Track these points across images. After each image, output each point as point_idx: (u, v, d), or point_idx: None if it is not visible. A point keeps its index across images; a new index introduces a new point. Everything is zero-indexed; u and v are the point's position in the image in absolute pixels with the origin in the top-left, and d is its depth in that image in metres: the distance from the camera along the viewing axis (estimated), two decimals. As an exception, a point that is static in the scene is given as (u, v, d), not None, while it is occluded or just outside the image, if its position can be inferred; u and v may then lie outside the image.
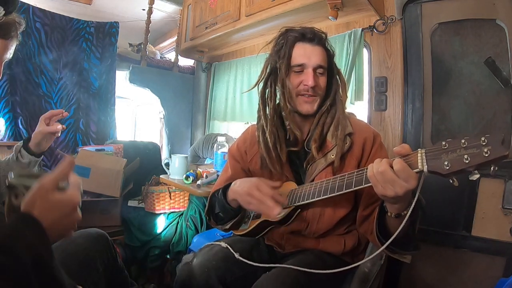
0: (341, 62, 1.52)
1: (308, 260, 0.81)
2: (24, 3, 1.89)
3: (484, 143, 0.51)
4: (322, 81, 0.86)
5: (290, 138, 0.89)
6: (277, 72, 0.87)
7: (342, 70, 0.95)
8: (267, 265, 0.79)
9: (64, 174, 0.49)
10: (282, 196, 0.82)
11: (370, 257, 0.71)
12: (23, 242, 0.41)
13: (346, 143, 0.83)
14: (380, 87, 1.48)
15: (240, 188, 0.84)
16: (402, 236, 0.66)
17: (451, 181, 0.57)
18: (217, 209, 0.92)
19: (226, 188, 0.91)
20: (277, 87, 0.89)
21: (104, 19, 2.27)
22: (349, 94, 1.45)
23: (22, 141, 0.93)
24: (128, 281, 0.89)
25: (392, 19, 1.42)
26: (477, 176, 0.54)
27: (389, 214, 0.68)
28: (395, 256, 0.72)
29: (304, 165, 0.88)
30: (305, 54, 0.84)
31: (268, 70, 0.90)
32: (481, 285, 1.21)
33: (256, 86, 0.92)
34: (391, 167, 0.59)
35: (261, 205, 0.79)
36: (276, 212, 0.77)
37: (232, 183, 0.89)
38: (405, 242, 0.70)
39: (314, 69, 0.84)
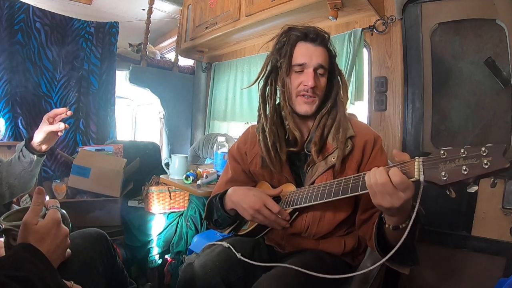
0: (341, 62, 1.51)
1: (308, 260, 0.81)
2: (24, 3, 1.89)
3: (484, 154, 0.48)
4: (322, 82, 0.85)
5: (289, 138, 0.88)
6: (277, 71, 0.87)
7: (342, 70, 0.94)
8: (269, 265, 0.79)
9: (39, 205, 0.56)
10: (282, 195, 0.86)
11: (370, 268, 0.70)
12: (32, 268, 0.46)
13: (347, 146, 0.82)
14: (380, 87, 1.48)
15: (241, 200, 0.84)
16: (401, 247, 0.65)
17: (448, 193, 0.53)
18: (215, 216, 0.92)
19: (222, 195, 0.91)
20: (277, 86, 0.88)
21: (104, 19, 2.27)
22: (349, 94, 1.45)
23: (24, 140, 0.93)
24: (128, 280, 0.89)
25: (392, 19, 1.42)
26: (476, 188, 0.51)
27: (386, 226, 0.67)
28: (394, 267, 0.71)
29: (305, 168, 0.87)
30: (306, 53, 0.83)
31: (269, 68, 0.89)
32: (481, 285, 1.21)
33: (256, 84, 0.91)
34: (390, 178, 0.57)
35: (270, 222, 0.84)
36: (283, 226, 0.84)
37: (228, 191, 0.89)
38: (404, 253, 0.68)
39: (315, 69, 0.83)
